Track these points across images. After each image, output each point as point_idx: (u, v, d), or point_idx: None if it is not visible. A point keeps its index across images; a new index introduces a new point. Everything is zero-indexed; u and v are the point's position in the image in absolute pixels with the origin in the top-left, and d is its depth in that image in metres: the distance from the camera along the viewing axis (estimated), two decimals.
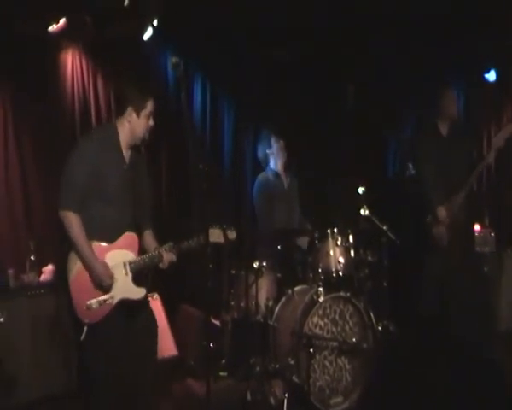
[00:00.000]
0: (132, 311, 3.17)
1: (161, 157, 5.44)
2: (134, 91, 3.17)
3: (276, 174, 4.87)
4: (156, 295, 4.67)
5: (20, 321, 4.09)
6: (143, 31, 4.90)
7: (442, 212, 4.56)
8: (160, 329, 3.43)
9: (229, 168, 5.66)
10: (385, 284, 4.66)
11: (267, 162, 4.90)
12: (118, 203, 3.11)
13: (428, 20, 5.22)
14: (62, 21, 4.52)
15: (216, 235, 3.21)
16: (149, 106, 3.17)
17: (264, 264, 4.32)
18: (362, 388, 4.02)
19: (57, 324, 4.23)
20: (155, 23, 4.88)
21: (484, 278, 5.53)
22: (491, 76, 6.25)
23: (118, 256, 3.13)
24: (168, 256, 3.23)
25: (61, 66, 4.91)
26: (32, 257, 4.41)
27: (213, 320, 4.49)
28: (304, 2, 4.91)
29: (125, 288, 3.12)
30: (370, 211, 4.57)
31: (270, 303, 4.24)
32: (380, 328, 4.36)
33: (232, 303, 4.39)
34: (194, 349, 4.57)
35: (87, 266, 3.02)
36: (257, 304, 4.20)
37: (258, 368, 4.15)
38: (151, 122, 3.20)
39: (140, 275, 3.17)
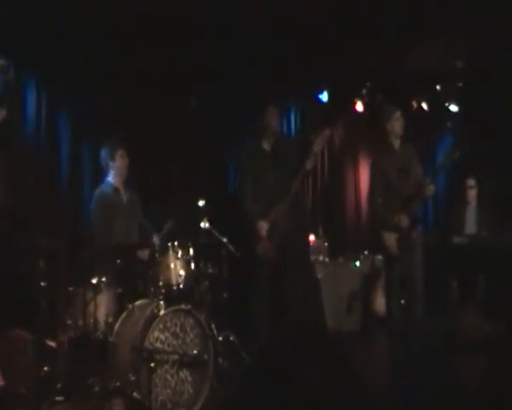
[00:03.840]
0: None
1: None
2: None
3: (115, 189, 4.77)
4: None
5: None
6: None
7: (262, 226, 4.74)
8: None
9: (67, 180, 5.39)
10: (225, 296, 4.78)
11: (107, 172, 4.79)
12: None
13: (267, 43, 5.48)
14: None
15: None
16: None
17: (104, 279, 4.21)
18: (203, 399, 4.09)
19: None
20: None
21: (317, 284, 5.92)
22: (324, 96, 6.77)
23: None
24: None
25: None
26: None
27: (48, 342, 4.25)
28: (146, 9, 4.86)
29: None
30: (211, 224, 4.67)
31: (110, 319, 4.14)
32: (221, 339, 4.46)
33: (69, 322, 4.20)
34: (24, 376, 4.27)
35: None
36: (96, 321, 4.07)
37: (97, 388, 4.02)
38: None
39: None
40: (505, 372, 3.28)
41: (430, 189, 4.83)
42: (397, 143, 4.95)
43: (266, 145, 4.99)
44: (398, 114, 4.95)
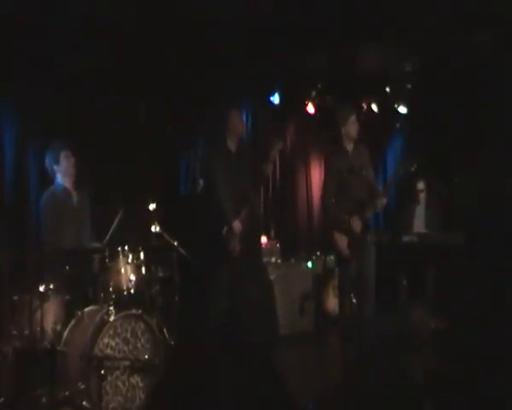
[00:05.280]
0: None
1: None
2: None
3: (65, 190, 4.65)
4: None
5: None
6: None
7: (237, 225, 4.79)
8: None
9: (12, 181, 5.20)
10: (176, 299, 4.74)
11: (54, 176, 4.66)
12: None
13: (224, 45, 5.47)
14: None
15: None
16: None
17: (52, 286, 4.08)
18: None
19: None
20: None
21: (270, 286, 5.93)
22: (276, 99, 6.82)
23: None
24: None
25: None
26: None
27: None
28: (91, 9, 4.74)
29: None
30: (161, 227, 4.62)
31: (59, 327, 4.03)
32: (172, 342, 4.41)
33: (14, 332, 4.06)
34: None
35: None
36: (43, 330, 3.94)
37: (44, 399, 3.90)
38: None
39: None
40: (452, 366, 3.36)
41: (382, 202, 4.91)
42: (350, 145, 5.00)
43: (232, 147, 5.04)
44: (353, 117, 4.99)
